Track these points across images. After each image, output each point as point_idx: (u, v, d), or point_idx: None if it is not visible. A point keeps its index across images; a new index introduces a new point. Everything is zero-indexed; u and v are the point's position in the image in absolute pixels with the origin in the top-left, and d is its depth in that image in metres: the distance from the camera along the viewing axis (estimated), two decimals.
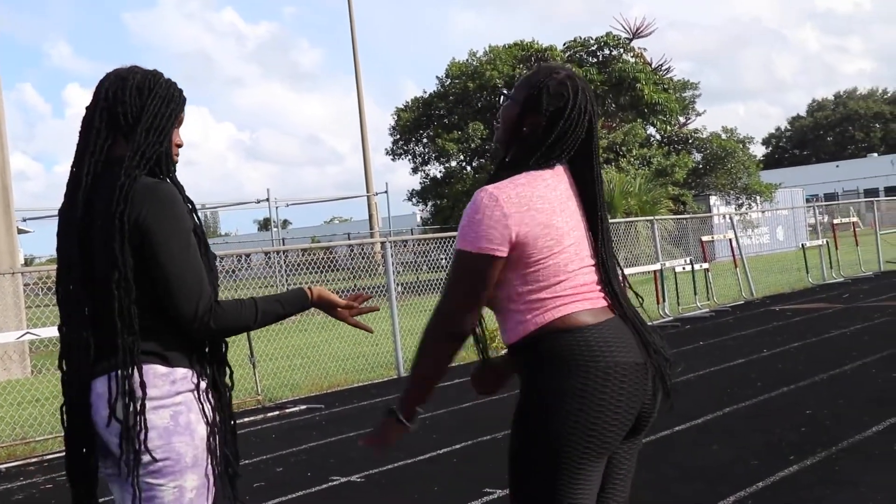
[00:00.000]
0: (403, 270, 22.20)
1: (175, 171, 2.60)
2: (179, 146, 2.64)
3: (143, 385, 2.37)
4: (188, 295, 2.40)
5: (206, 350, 2.56)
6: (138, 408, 2.36)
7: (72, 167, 2.55)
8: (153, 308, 2.43)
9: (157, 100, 2.53)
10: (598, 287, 2.42)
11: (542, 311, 2.34)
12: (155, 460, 2.37)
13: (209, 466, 2.45)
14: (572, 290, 2.36)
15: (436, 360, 2.40)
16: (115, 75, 2.56)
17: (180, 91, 2.60)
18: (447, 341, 2.38)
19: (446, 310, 2.37)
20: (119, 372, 2.38)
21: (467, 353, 11.48)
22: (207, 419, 2.46)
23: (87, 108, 2.56)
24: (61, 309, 2.51)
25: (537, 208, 2.34)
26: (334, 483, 5.83)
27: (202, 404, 2.46)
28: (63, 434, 2.51)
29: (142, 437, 2.36)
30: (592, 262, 2.44)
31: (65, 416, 2.48)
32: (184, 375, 2.45)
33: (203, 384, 2.50)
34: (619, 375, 2.29)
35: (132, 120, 2.50)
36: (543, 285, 2.34)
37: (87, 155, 2.50)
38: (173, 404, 2.41)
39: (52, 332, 8.08)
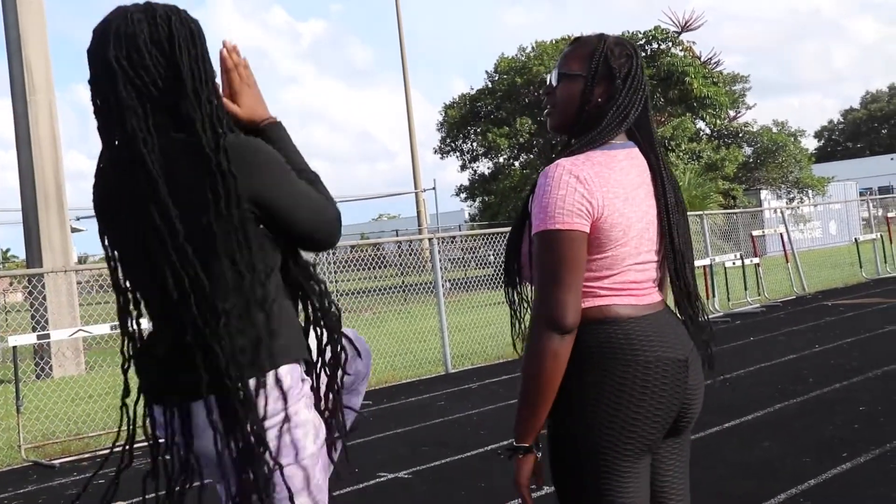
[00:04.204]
0: (451, 267, 22.22)
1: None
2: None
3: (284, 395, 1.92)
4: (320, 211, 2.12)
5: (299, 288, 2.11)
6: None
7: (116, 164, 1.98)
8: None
9: (185, 46, 1.96)
10: (649, 284, 2.29)
11: (582, 298, 2.18)
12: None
13: (321, 468, 2.05)
14: (619, 285, 2.21)
15: (549, 367, 2.12)
16: (117, 34, 1.94)
17: (193, 19, 2.03)
18: (557, 336, 2.11)
19: (548, 301, 2.12)
20: (256, 380, 1.90)
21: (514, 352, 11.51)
22: (312, 419, 1.99)
23: (98, 87, 1.97)
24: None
25: (615, 192, 2.19)
26: (382, 479, 5.85)
27: (307, 400, 1.98)
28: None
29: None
30: (652, 257, 2.29)
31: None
32: (289, 370, 1.95)
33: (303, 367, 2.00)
34: (660, 371, 2.19)
35: (163, 83, 1.94)
36: (592, 276, 2.19)
37: (138, 143, 1.91)
38: (276, 417, 1.92)
39: (105, 329, 8.22)
